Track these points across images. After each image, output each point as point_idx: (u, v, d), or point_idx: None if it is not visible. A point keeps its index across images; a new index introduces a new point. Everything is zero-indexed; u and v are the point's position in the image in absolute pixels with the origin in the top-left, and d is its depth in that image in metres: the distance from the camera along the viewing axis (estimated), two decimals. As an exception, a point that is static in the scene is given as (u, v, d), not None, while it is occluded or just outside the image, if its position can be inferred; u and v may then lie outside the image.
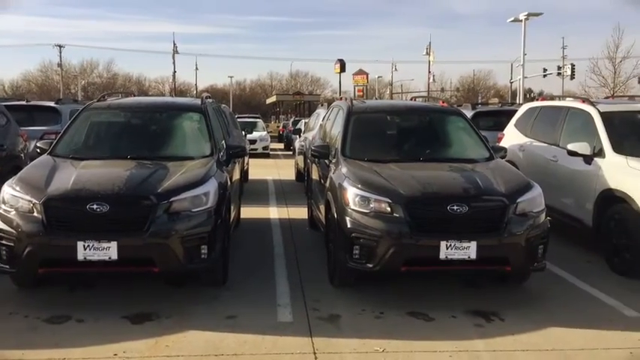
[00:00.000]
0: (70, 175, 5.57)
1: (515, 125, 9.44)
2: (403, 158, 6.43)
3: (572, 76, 50.13)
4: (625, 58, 42.87)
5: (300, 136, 14.80)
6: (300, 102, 54.12)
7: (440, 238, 5.24)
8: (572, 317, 5.30)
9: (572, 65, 50.34)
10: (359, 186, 5.62)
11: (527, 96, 43.32)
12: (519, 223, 5.38)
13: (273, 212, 10.42)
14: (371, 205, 5.46)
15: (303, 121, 26.16)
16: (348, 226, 5.49)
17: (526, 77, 38.45)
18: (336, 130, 7.31)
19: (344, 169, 6.07)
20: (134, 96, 9.34)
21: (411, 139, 6.99)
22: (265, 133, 26.84)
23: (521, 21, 31.95)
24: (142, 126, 6.99)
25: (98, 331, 4.86)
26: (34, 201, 5.19)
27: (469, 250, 5.23)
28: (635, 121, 7.48)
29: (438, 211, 5.32)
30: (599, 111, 7.40)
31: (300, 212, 9.96)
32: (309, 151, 7.33)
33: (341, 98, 9.61)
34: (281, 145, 32.13)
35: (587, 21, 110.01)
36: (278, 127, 42.03)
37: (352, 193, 5.59)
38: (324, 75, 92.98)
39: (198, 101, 7.47)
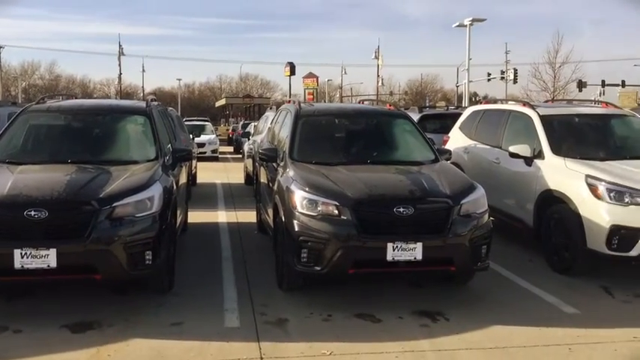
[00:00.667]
0: (6, 181, 5.36)
1: (460, 128, 9.63)
2: (351, 161, 6.47)
3: (515, 81, 51.62)
4: (564, 63, 44.46)
5: (249, 139, 14.71)
6: (249, 105, 53.78)
7: (386, 239, 5.28)
8: (514, 315, 5.43)
9: (515, 70, 51.84)
10: (306, 189, 5.62)
11: (473, 99, 44.33)
12: (463, 223, 5.47)
13: (222, 216, 10.31)
14: (318, 208, 5.47)
15: (253, 124, 26.00)
16: (296, 229, 5.48)
17: (471, 81, 39.35)
18: (284, 133, 7.29)
19: (291, 172, 6.06)
20: (76, 98, 9.09)
21: (358, 141, 7.03)
22: (214, 136, 26.57)
23: (465, 26, 32.71)
24: (83, 129, 6.79)
25: (37, 341, 4.69)
26: None
27: (415, 251, 5.29)
28: (573, 123, 7.73)
29: (385, 213, 5.37)
30: (538, 114, 7.62)
31: (249, 216, 9.89)
32: (258, 154, 7.28)
33: (289, 101, 9.60)
34: (230, 149, 31.86)
35: (530, 27, 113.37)
36: (227, 130, 41.64)
37: (300, 196, 5.58)
38: (274, 78, 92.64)
39: (143, 104, 7.32)
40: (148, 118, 6.83)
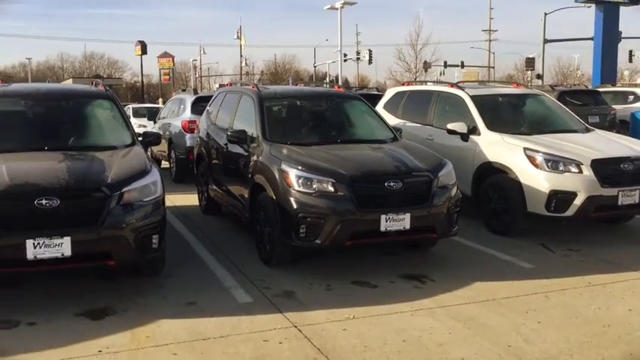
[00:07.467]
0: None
1: (384, 108, 10.30)
2: (322, 141, 6.83)
3: (370, 61, 54.43)
4: (425, 45, 47.62)
5: (154, 123, 14.57)
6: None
7: (380, 212, 5.79)
8: (486, 273, 6.15)
9: (370, 51, 54.62)
10: (299, 167, 5.93)
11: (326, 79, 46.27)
12: (441, 194, 6.12)
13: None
14: (314, 186, 5.81)
15: (131, 106, 25.19)
16: (294, 206, 5.79)
17: (334, 62, 40.88)
18: (244, 116, 7.47)
19: (275, 152, 6.32)
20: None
21: (324, 122, 7.43)
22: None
23: (337, 9, 33.96)
24: (47, 115, 6.50)
25: (54, 332, 4.62)
26: None
27: (404, 221, 5.85)
28: (498, 102, 8.75)
29: (377, 187, 5.86)
30: (469, 94, 8.50)
31: (184, 199, 9.92)
32: (226, 137, 7.31)
33: (229, 84, 9.76)
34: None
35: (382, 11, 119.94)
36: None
37: (294, 175, 5.88)
38: (123, 57, 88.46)
39: (102, 89, 7.11)
40: (114, 103, 6.69)
